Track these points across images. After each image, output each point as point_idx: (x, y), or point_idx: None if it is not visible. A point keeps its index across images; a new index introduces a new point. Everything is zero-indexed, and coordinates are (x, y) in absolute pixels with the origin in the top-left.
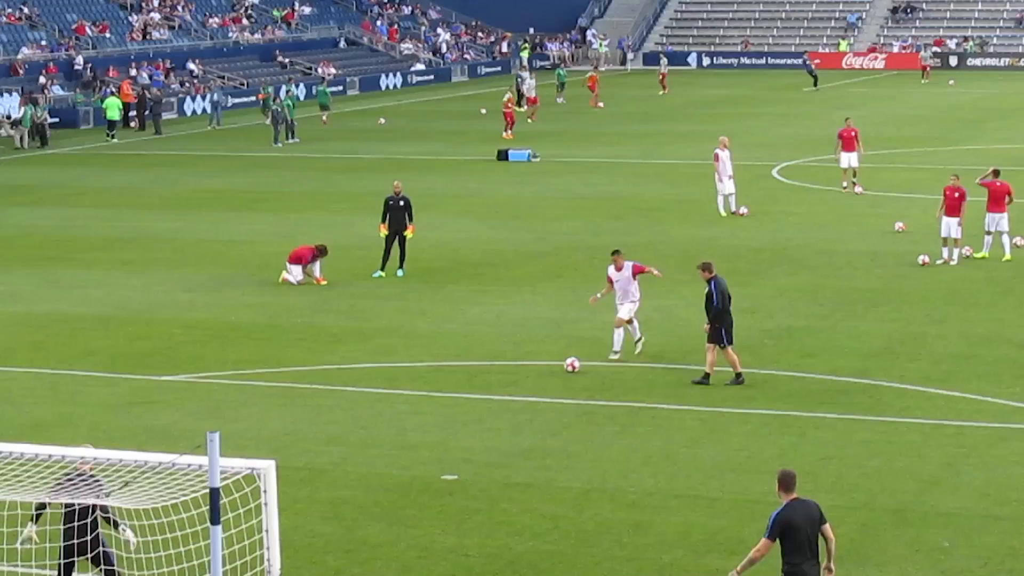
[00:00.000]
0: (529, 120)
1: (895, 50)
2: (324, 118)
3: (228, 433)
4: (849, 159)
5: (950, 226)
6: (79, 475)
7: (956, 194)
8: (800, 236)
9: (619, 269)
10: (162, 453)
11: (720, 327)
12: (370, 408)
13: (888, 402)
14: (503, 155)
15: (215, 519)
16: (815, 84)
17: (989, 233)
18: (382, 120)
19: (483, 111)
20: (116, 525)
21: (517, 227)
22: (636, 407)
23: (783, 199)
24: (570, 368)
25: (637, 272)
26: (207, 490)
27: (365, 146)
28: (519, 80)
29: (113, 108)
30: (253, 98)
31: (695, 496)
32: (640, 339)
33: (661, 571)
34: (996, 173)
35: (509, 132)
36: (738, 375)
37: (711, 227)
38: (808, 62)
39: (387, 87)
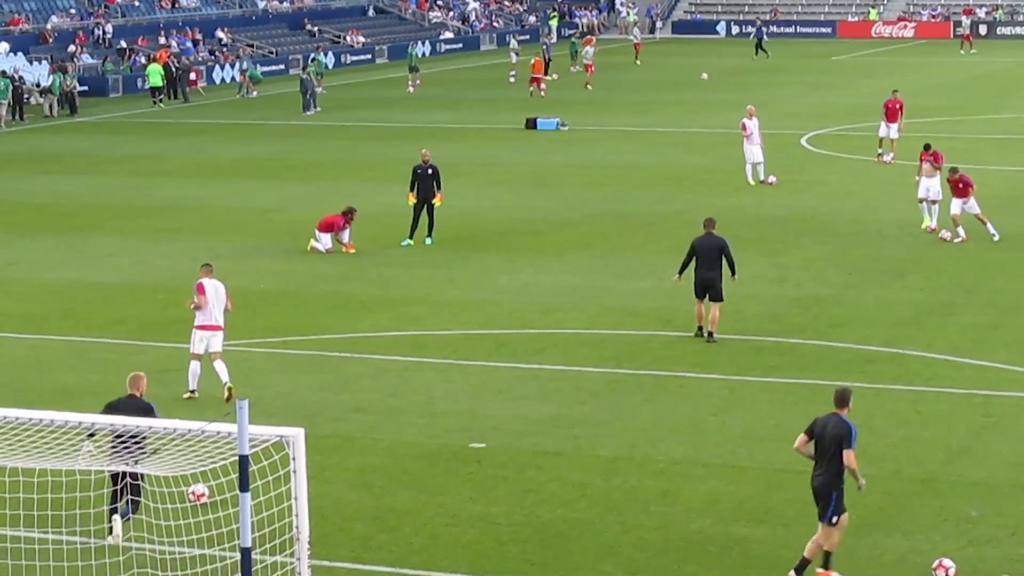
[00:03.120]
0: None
1: (924, 19)
2: (415, 82)
3: (257, 401)
4: (889, 130)
5: (928, 188)
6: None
7: (931, 156)
8: (829, 205)
9: None
10: (191, 421)
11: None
12: (398, 376)
13: (916, 371)
14: (531, 123)
15: (244, 486)
16: (757, 51)
17: (923, 201)
18: (411, 88)
19: (512, 78)
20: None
21: (545, 195)
22: (663, 376)
23: (812, 168)
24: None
25: None
26: (236, 457)
27: (394, 114)
28: (545, 47)
29: (155, 75)
30: (281, 66)
31: (723, 464)
32: None
33: (689, 539)
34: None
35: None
36: (710, 334)
37: (739, 196)
38: (761, 29)
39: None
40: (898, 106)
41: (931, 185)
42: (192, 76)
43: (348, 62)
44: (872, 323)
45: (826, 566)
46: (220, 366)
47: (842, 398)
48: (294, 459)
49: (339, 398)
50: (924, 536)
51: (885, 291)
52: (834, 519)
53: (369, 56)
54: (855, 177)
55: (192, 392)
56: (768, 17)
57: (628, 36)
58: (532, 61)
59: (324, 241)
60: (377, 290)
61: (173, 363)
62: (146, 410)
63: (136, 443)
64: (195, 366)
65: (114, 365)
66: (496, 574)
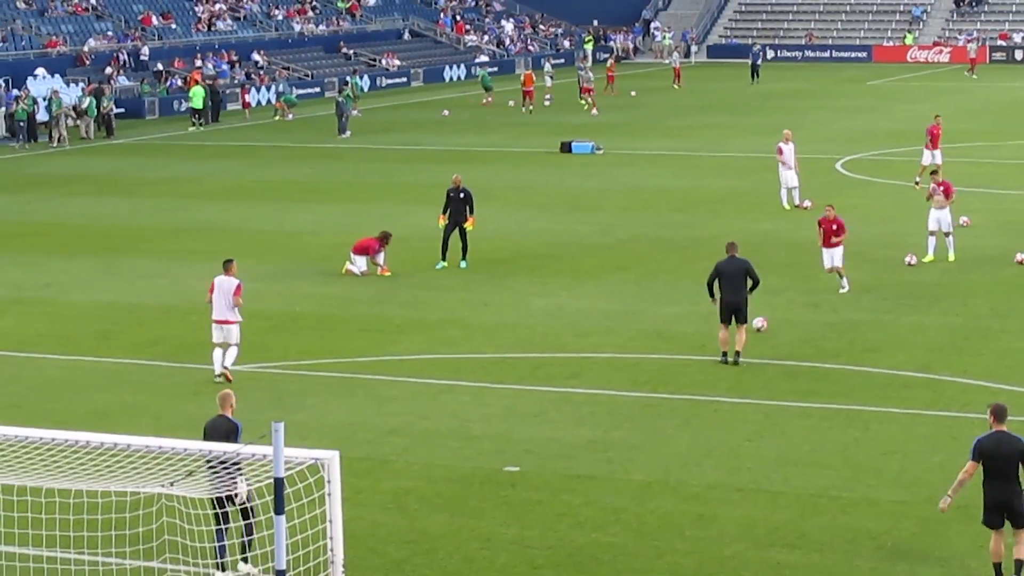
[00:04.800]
0: (594, 113)
1: (960, 44)
2: (486, 99)
3: (291, 423)
4: (933, 156)
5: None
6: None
7: (941, 188)
8: (864, 230)
9: None
10: (227, 443)
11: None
12: (433, 399)
13: (951, 397)
14: (566, 147)
15: (279, 509)
16: (753, 77)
17: (933, 233)
18: (446, 112)
19: (548, 101)
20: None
21: (580, 219)
22: (698, 400)
23: (847, 192)
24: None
25: None
26: (271, 480)
27: (428, 137)
28: (580, 71)
29: (197, 98)
30: (317, 89)
31: (757, 489)
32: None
33: (723, 564)
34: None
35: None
36: (736, 354)
37: (774, 220)
38: (757, 54)
39: (451, 78)
40: (939, 132)
41: (942, 217)
42: (247, 98)
43: (383, 85)
44: (907, 348)
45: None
46: (230, 352)
47: (1003, 412)
48: (329, 482)
49: (373, 421)
50: (959, 563)
51: (920, 316)
52: None
53: (404, 79)
54: (890, 202)
55: (218, 376)
56: (804, 41)
57: (663, 60)
58: (522, 76)
59: (359, 264)
60: (411, 313)
61: (208, 385)
62: (229, 431)
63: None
64: (217, 353)
65: (148, 387)
66: None
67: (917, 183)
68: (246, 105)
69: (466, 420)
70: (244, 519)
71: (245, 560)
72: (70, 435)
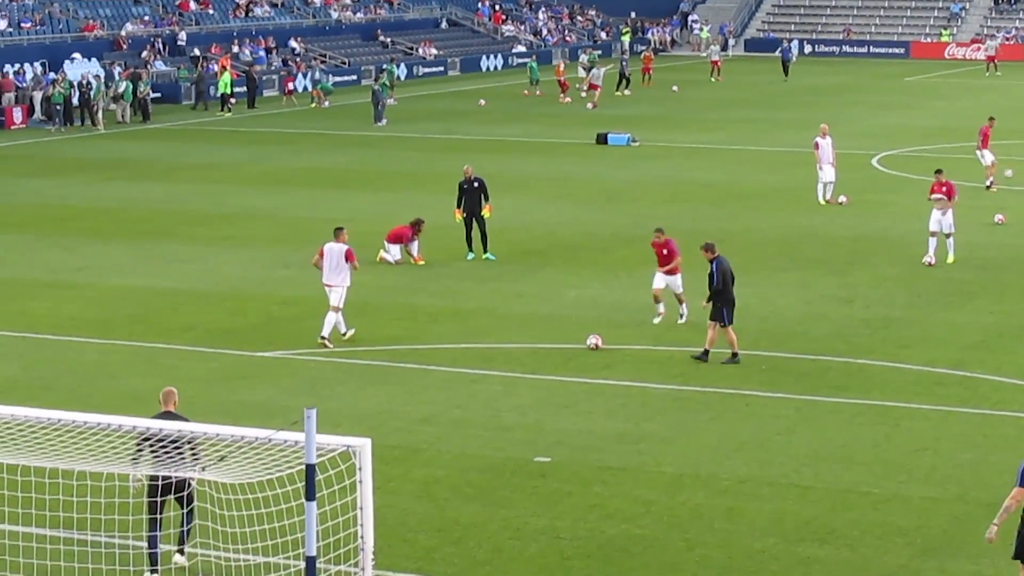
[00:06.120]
0: (590, 107)
1: (998, 41)
2: (531, 91)
3: (323, 410)
4: (984, 156)
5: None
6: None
7: (944, 188)
8: (899, 226)
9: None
10: (258, 428)
11: (721, 306)
12: (465, 388)
13: (984, 395)
14: (602, 139)
15: (310, 495)
16: (786, 73)
17: (934, 235)
18: (482, 101)
19: (584, 92)
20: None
21: (615, 211)
22: (730, 394)
23: (882, 188)
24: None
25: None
26: (303, 466)
27: (464, 127)
28: (623, 64)
29: (225, 83)
30: (354, 77)
31: (788, 484)
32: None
33: (752, 558)
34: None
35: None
36: (734, 355)
37: (809, 215)
38: (787, 50)
39: (488, 68)
40: (989, 132)
41: (943, 218)
42: (290, 86)
43: (420, 74)
44: (941, 345)
45: None
46: (328, 319)
47: None
48: (360, 469)
49: (405, 409)
50: (990, 560)
51: (954, 314)
52: None
53: (441, 68)
54: (925, 199)
55: (323, 337)
56: (842, 36)
57: (700, 53)
58: (557, 68)
59: (393, 252)
60: (445, 302)
61: (240, 370)
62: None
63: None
64: (330, 316)
65: (183, 372)
66: None
67: (989, 186)
68: (289, 92)
69: (498, 410)
70: (187, 519)
71: (181, 552)
72: (103, 418)
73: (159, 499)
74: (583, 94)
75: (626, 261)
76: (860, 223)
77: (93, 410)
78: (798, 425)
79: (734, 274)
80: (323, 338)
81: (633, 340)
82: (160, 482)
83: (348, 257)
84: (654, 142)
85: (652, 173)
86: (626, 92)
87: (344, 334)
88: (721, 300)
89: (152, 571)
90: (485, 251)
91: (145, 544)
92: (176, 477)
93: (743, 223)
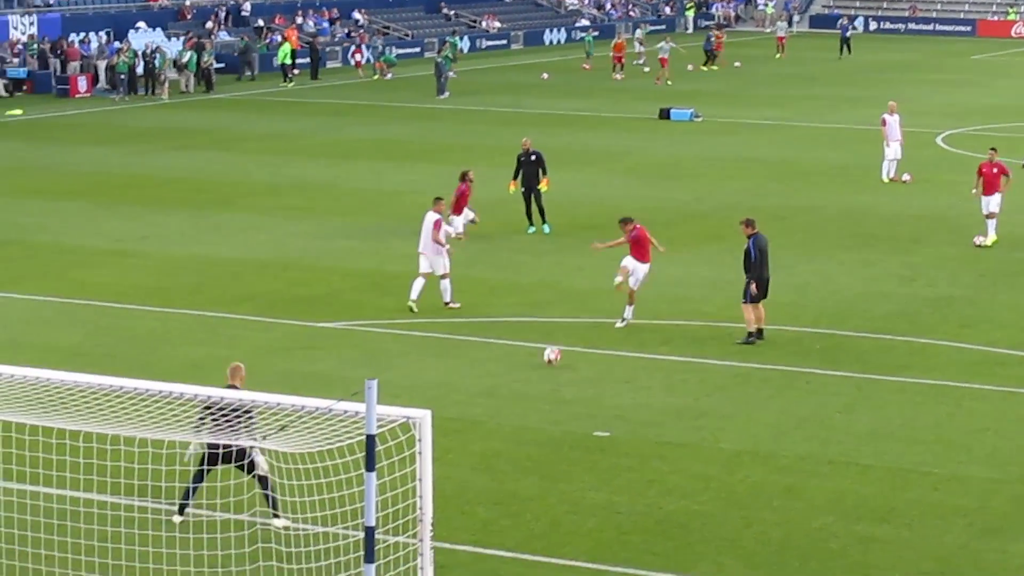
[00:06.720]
0: (656, 83)
1: None
2: (587, 65)
3: (383, 381)
4: None
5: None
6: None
7: (994, 170)
8: (963, 205)
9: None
10: (319, 399)
11: (749, 282)
12: (524, 362)
13: None
14: (665, 114)
15: (370, 466)
16: (842, 49)
17: (990, 216)
18: (545, 75)
19: (646, 67)
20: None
21: (677, 186)
22: (790, 371)
23: (947, 167)
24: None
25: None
26: (362, 437)
27: (527, 100)
28: (710, 39)
29: (284, 54)
30: (417, 49)
31: (848, 462)
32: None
33: (811, 536)
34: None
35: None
36: (760, 331)
37: (872, 193)
38: (846, 27)
39: (551, 42)
40: None
41: (991, 200)
42: (358, 58)
43: (483, 47)
44: (1004, 325)
45: None
46: (443, 284)
47: None
48: (420, 441)
49: (465, 382)
50: None
51: (1018, 294)
52: None
53: (504, 42)
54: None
55: (412, 302)
56: (907, 14)
57: (764, 29)
58: (613, 43)
59: (456, 225)
60: (505, 275)
61: (301, 340)
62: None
63: (249, 419)
64: (417, 282)
65: (242, 341)
66: (616, 563)
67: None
68: (358, 64)
69: (558, 384)
70: (262, 487)
71: (276, 516)
72: (164, 386)
73: (206, 467)
74: (646, 69)
75: (687, 237)
76: (924, 201)
77: (154, 378)
78: (859, 403)
79: (767, 253)
80: (412, 301)
81: (693, 316)
82: (220, 451)
83: (435, 227)
84: (717, 118)
85: (715, 149)
86: (712, 67)
87: (447, 303)
88: (752, 277)
89: (179, 514)
90: (544, 222)
91: (182, 494)
92: (235, 447)
93: (805, 200)
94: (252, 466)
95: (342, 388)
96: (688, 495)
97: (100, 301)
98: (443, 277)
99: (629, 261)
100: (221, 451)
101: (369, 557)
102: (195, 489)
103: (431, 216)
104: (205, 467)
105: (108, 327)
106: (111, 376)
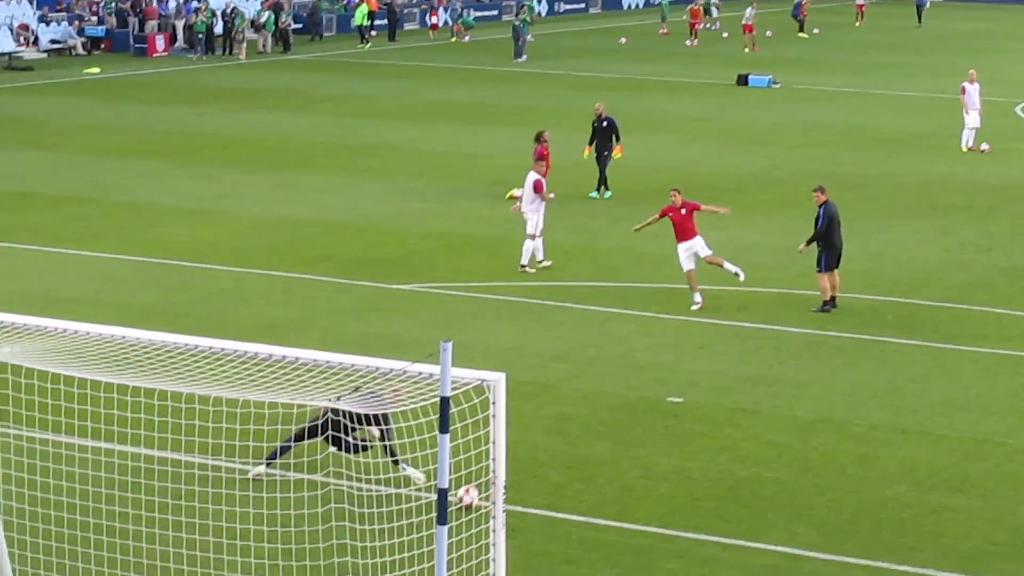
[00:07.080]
0: (747, 50)
1: None
2: (663, 29)
3: (457, 344)
4: None
5: None
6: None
7: None
8: None
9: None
10: (393, 360)
11: (821, 251)
12: (599, 326)
13: None
14: (743, 80)
15: (444, 428)
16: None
17: None
18: (623, 40)
19: (725, 33)
20: (396, 462)
21: (754, 153)
22: (865, 339)
23: None
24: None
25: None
26: (436, 399)
27: (605, 65)
28: (798, 5)
29: (361, 14)
30: (495, 12)
31: (921, 432)
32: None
33: (883, 505)
34: None
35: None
36: (833, 299)
37: (950, 162)
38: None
39: (629, 7)
40: None
41: None
42: (435, 20)
43: (561, 11)
44: None
45: None
46: (525, 246)
47: None
48: (494, 403)
49: (539, 345)
50: None
51: None
52: None
53: (583, 5)
54: None
55: (523, 266)
56: None
57: None
58: (688, 8)
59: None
60: (580, 239)
61: (376, 302)
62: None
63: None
64: (527, 244)
65: (318, 302)
66: (688, 529)
67: None
68: (434, 27)
69: (632, 349)
70: (390, 455)
71: (406, 464)
72: (239, 345)
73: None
74: (725, 34)
75: (764, 204)
76: (1002, 171)
77: (228, 337)
78: (933, 373)
79: (840, 221)
80: (523, 266)
81: (769, 283)
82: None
83: (536, 188)
84: (794, 84)
85: (792, 115)
86: (801, 35)
87: (540, 262)
88: (823, 245)
89: (267, 464)
90: (606, 188)
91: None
92: (331, 434)
93: (883, 168)
94: (358, 448)
95: (416, 350)
96: (761, 462)
97: (175, 260)
98: (530, 237)
99: (681, 248)
100: (322, 420)
101: (442, 519)
102: (284, 450)
103: (531, 176)
104: (293, 441)
105: (183, 286)
106: (185, 335)
